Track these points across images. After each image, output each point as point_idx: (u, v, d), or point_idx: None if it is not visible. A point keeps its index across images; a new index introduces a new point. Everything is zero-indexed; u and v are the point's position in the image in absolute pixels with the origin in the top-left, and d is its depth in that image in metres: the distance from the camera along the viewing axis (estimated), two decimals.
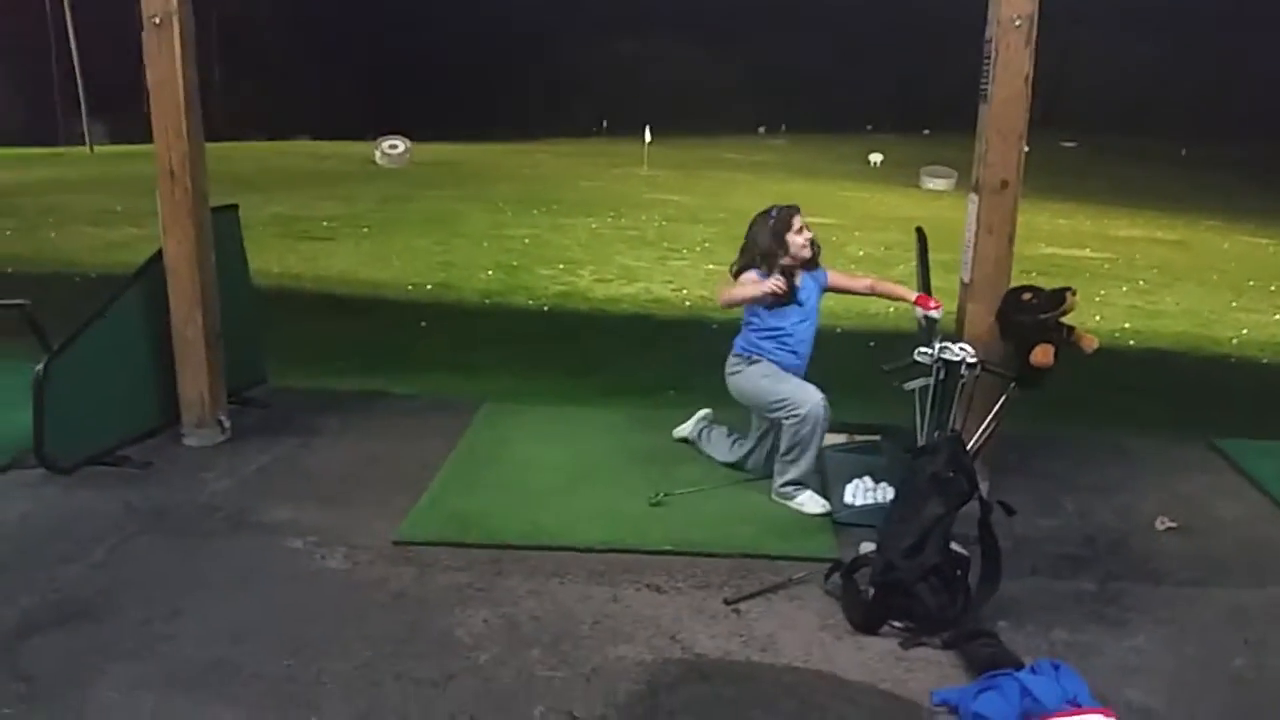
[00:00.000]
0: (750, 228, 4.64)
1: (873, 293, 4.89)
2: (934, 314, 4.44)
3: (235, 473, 4.76)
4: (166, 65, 4.71)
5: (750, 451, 4.85)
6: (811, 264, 4.62)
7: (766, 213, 4.61)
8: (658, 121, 30.80)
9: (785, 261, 4.52)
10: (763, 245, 4.54)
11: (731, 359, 4.70)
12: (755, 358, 4.60)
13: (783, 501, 4.53)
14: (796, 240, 4.54)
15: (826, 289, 4.75)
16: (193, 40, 4.77)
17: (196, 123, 4.85)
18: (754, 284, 4.43)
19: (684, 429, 5.26)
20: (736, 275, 4.61)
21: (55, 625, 3.41)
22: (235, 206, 5.62)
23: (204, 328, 4.98)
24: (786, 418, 4.45)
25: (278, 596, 3.67)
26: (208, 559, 3.93)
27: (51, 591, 3.62)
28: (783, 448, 4.52)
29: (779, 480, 4.55)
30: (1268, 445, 5.48)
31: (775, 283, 4.36)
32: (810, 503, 4.49)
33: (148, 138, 4.82)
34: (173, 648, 3.31)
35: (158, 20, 4.65)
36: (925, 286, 4.61)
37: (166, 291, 4.94)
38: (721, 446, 5.00)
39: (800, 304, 4.55)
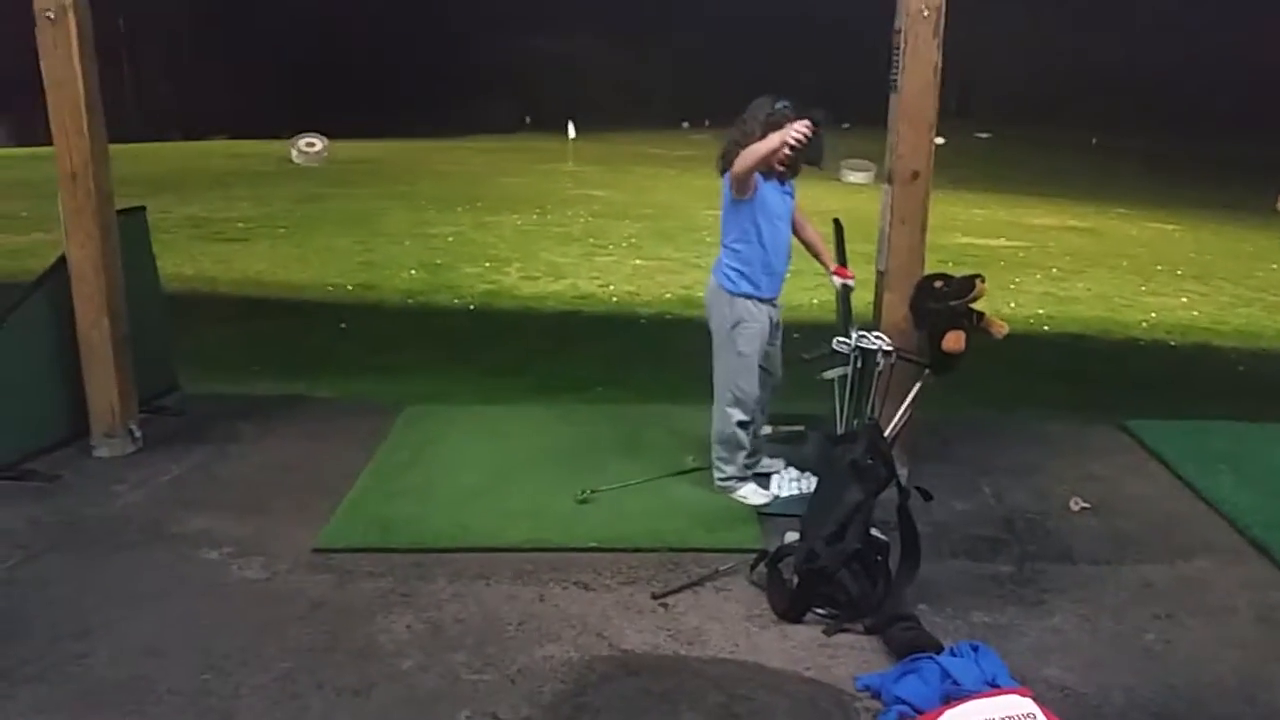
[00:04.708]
0: (746, 116, 4.33)
1: (806, 241, 4.68)
2: (849, 282, 4.56)
3: (147, 483, 4.62)
4: (64, 62, 4.55)
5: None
6: (790, 173, 4.41)
7: (769, 105, 4.29)
8: (581, 117, 30.70)
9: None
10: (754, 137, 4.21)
11: (717, 290, 4.45)
12: (739, 294, 4.37)
13: (727, 495, 4.54)
14: None
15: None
16: (90, 35, 4.61)
17: (98, 122, 4.69)
18: (770, 140, 4.06)
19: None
20: (733, 158, 4.27)
21: None
22: (143, 208, 5.47)
23: (111, 334, 4.83)
24: (729, 407, 4.43)
25: (193, 609, 3.58)
26: (120, 573, 3.81)
27: None
28: (716, 437, 4.52)
29: (719, 475, 4.57)
30: (1175, 425, 5.67)
31: (799, 128, 3.98)
32: (754, 495, 4.53)
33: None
34: (83, 667, 3.21)
35: (51, 15, 4.49)
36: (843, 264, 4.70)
37: (71, 297, 4.78)
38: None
39: (820, 166, 4.28)
